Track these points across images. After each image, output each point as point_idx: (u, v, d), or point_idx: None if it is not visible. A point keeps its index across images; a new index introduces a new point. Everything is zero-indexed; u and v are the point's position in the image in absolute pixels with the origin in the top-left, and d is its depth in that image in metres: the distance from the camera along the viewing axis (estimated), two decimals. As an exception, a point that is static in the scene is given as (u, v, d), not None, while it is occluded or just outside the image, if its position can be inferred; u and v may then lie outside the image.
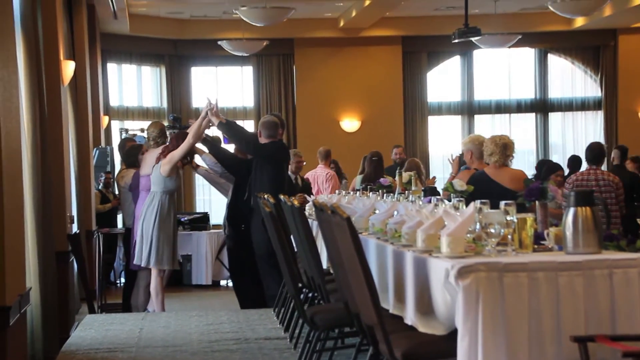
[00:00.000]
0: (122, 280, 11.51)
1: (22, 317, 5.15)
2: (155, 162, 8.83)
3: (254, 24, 13.92)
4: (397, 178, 7.80)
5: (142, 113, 16.83)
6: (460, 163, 9.02)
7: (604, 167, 11.08)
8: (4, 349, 4.60)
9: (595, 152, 8.97)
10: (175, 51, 17.22)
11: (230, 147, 9.68)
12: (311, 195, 9.73)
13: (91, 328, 7.84)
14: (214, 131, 9.50)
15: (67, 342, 7.24)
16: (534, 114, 18.28)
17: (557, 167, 10.46)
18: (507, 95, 18.22)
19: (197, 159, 9.41)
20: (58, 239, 7.71)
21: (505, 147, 7.26)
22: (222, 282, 13.18)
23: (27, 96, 6.61)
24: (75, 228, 9.06)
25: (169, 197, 8.75)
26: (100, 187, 12.85)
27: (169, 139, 9.18)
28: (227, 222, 9.51)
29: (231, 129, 8.92)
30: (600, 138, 17.83)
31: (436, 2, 15.76)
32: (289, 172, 10.45)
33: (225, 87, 17.70)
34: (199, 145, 9.18)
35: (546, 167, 10.85)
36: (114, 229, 11.68)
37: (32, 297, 6.02)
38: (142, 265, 8.75)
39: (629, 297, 3.72)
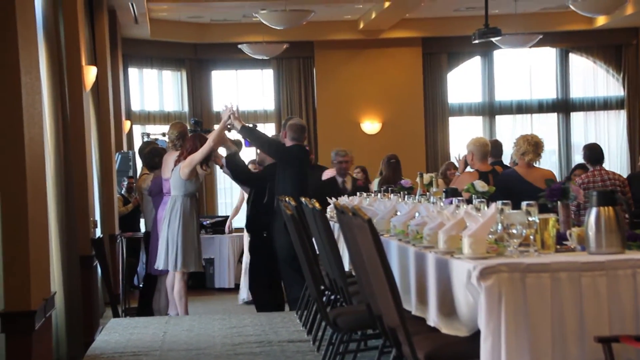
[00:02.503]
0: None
1: (47, 321, 5.18)
2: (174, 165, 8.86)
3: (273, 27, 13.94)
4: (418, 180, 7.82)
5: (163, 117, 16.90)
6: (465, 163, 9.02)
7: (613, 168, 10.98)
8: (29, 352, 4.64)
9: (598, 153, 8.93)
10: (196, 55, 17.28)
11: (250, 152, 9.68)
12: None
13: (115, 332, 7.89)
14: (234, 135, 9.55)
15: (92, 346, 7.28)
16: (555, 114, 18.17)
17: (576, 166, 10.46)
18: (529, 96, 18.12)
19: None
20: (82, 244, 7.76)
21: (537, 146, 7.35)
22: (245, 285, 13.21)
23: (49, 102, 6.66)
24: (98, 232, 9.11)
25: (190, 199, 8.78)
26: (122, 192, 12.91)
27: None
28: (247, 230, 9.53)
29: (253, 133, 8.99)
30: (623, 137, 17.72)
31: (456, 3, 15.71)
32: (336, 176, 10.21)
33: (245, 90, 17.73)
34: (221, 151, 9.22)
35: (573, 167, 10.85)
36: (137, 233, 11.72)
37: (56, 301, 6.06)
38: (170, 269, 8.77)
39: (652, 297, 3.70)
